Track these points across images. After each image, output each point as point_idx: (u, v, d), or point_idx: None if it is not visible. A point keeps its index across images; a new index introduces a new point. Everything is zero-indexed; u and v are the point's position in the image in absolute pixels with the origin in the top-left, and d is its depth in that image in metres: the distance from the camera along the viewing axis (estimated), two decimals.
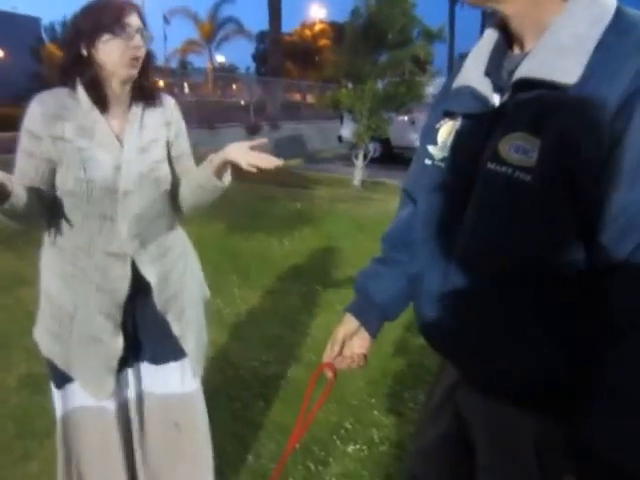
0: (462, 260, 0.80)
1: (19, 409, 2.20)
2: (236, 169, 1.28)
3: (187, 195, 1.39)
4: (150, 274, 1.33)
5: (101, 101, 1.24)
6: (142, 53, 1.23)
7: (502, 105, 0.77)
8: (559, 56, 0.70)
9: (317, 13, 40.57)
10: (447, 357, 0.93)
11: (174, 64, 33.69)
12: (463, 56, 0.90)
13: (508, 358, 0.78)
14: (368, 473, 1.94)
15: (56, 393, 1.40)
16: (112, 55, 1.20)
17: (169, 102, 1.39)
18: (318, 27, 36.79)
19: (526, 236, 0.73)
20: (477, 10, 0.84)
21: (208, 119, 10.84)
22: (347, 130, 9.70)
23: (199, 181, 1.35)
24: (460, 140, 0.83)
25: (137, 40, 1.21)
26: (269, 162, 1.21)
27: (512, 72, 0.76)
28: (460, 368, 0.90)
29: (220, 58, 43.20)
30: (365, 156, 8.11)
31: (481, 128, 0.79)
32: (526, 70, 0.73)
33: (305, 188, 7.65)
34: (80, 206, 1.24)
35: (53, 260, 1.32)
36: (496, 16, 0.82)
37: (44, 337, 1.37)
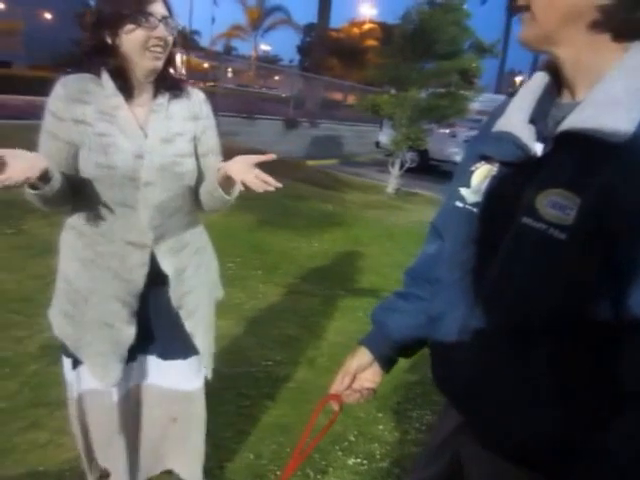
0: (484, 310, 0.78)
1: (36, 377, 2.25)
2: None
3: (201, 197, 1.37)
4: (168, 267, 1.32)
5: (125, 89, 1.22)
6: (167, 43, 1.20)
7: (543, 156, 0.74)
8: (610, 111, 0.67)
9: (368, 12, 40.33)
10: (454, 404, 0.90)
11: (219, 48, 34.09)
12: (511, 95, 0.86)
13: (515, 416, 0.76)
14: None
15: (70, 373, 1.41)
16: (135, 45, 1.17)
17: (198, 96, 1.34)
18: (367, 26, 36.56)
19: (553, 293, 0.70)
20: None
21: (248, 109, 10.88)
22: (385, 136, 9.65)
23: (208, 188, 1.32)
24: (496, 188, 0.80)
25: (160, 30, 1.17)
26: (262, 185, 1.13)
27: (559, 121, 0.72)
28: (465, 417, 0.87)
29: (265, 47, 43.49)
30: (401, 165, 8.04)
31: (519, 178, 0.76)
32: (573, 123, 0.69)
33: (338, 190, 7.64)
34: (101, 192, 1.22)
35: (73, 243, 1.32)
36: (547, 59, 0.78)
37: (57, 317, 1.37)
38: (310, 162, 10.36)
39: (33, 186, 1.09)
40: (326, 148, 12.13)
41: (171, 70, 1.27)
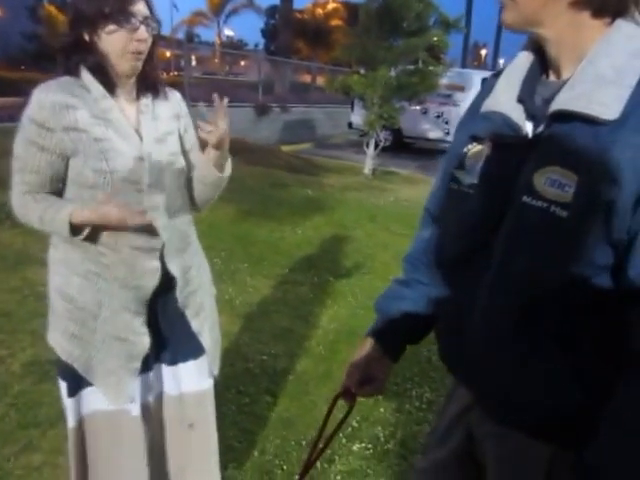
0: (491, 289, 0.79)
1: (22, 397, 2.16)
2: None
3: (197, 192, 1.39)
4: (175, 268, 1.30)
5: (107, 87, 1.19)
6: (147, 45, 1.18)
7: (536, 135, 0.75)
8: (598, 89, 0.69)
9: None
10: (465, 384, 0.91)
11: (181, 35, 33.32)
12: (496, 75, 0.87)
13: (526, 390, 0.77)
14: (373, 471, 1.95)
15: (69, 401, 1.32)
16: (115, 47, 1.14)
17: (176, 95, 1.37)
18: (331, 6, 36.11)
19: (557, 269, 0.72)
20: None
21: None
22: (357, 117, 9.62)
23: (199, 178, 1.34)
24: (491, 168, 0.81)
25: (142, 32, 1.15)
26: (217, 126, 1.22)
27: (547, 99, 0.74)
28: (476, 395, 0.89)
29: (229, 32, 42.69)
30: (376, 145, 8.03)
31: (513, 157, 0.77)
32: (563, 102, 0.71)
33: (316, 175, 7.61)
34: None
35: (68, 258, 1.25)
36: (531, 39, 0.80)
37: (62, 341, 1.29)
38: (284, 147, 10.25)
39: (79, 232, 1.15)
40: (299, 132, 12.00)
41: (150, 70, 1.25)
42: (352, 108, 11.00)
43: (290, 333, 2.90)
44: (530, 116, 0.77)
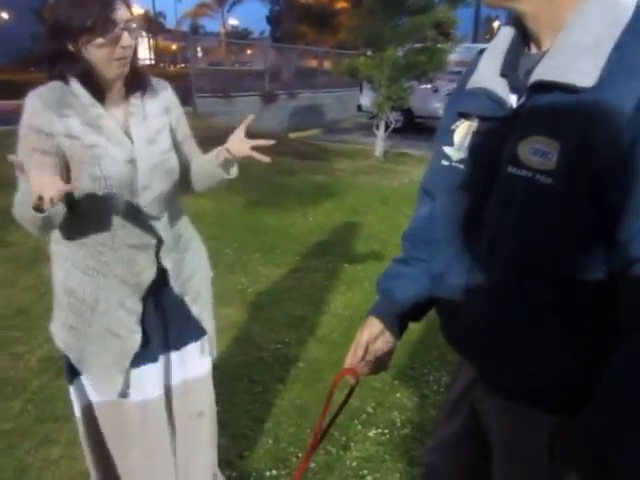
0: (484, 261, 0.81)
1: (40, 392, 2.21)
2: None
3: (197, 182, 1.41)
4: (167, 261, 1.33)
5: (96, 93, 1.20)
6: (132, 49, 1.19)
7: (519, 107, 0.78)
8: (576, 58, 0.71)
9: None
10: (466, 357, 0.93)
11: (186, 27, 33.15)
12: (480, 52, 0.90)
13: (524, 359, 0.79)
14: (390, 457, 1.93)
15: (71, 388, 1.38)
16: (101, 57, 1.15)
17: (165, 87, 1.36)
18: None
19: (547, 237, 0.73)
20: None
21: (223, 87, 10.62)
22: (366, 99, 9.50)
23: (205, 172, 1.37)
24: (478, 142, 0.84)
25: (125, 39, 1.15)
26: (259, 157, 1.24)
27: (528, 72, 0.76)
28: (478, 368, 0.90)
29: (233, 21, 42.44)
30: (386, 126, 7.92)
31: (498, 130, 0.79)
32: (542, 72, 0.73)
33: (325, 160, 7.55)
34: (98, 203, 1.20)
35: (73, 254, 1.28)
36: (512, 14, 0.82)
37: (61, 331, 1.34)
38: (293, 134, 10.18)
39: (40, 209, 1.05)
40: (307, 118, 11.92)
41: (135, 68, 1.25)
42: (361, 90, 10.86)
43: (303, 321, 2.89)
44: (514, 89, 0.79)
